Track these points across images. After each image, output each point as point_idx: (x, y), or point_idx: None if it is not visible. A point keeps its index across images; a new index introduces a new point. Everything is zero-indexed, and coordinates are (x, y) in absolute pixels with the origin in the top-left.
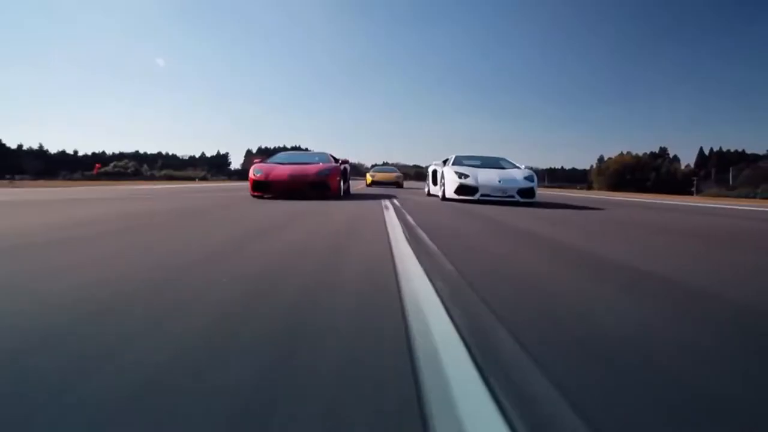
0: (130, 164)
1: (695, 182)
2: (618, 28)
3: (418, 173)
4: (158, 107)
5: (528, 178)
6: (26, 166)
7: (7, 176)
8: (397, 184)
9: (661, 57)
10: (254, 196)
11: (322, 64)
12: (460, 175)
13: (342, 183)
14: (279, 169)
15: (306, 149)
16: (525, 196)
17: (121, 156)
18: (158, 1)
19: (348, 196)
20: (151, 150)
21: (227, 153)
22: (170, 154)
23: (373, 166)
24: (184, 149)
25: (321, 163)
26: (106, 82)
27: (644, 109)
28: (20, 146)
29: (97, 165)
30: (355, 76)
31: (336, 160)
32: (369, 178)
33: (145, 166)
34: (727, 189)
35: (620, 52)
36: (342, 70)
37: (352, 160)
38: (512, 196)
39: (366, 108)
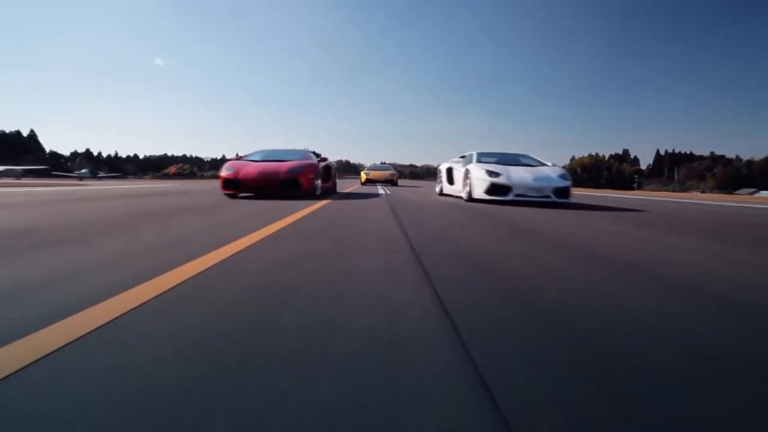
0: (186, 166)
1: (636, 179)
2: (617, 28)
3: (413, 172)
4: (174, 111)
5: (563, 177)
6: (124, 168)
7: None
8: (392, 182)
9: (651, 57)
10: (225, 194)
11: (324, 69)
12: (491, 174)
13: (318, 181)
14: (250, 166)
15: (309, 150)
16: (561, 196)
17: (152, 158)
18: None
19: (328, 195)
20: (177, 152)
21: (245, 155)
22: (194, 156)
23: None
24: (204, 151)
25: (295, 161)
26: (117, 84)
27: (622, 111)
28: (100, 153)
29: (173, 167)
30: (356, 82)
31: (318, 157)
32: (363, 176)
33: (195, 168)
34: (664, 185)
35: (613, 53)
36: (345, 75)
37: (353, 160)
38: (548, 196)
39: (365, 112)
